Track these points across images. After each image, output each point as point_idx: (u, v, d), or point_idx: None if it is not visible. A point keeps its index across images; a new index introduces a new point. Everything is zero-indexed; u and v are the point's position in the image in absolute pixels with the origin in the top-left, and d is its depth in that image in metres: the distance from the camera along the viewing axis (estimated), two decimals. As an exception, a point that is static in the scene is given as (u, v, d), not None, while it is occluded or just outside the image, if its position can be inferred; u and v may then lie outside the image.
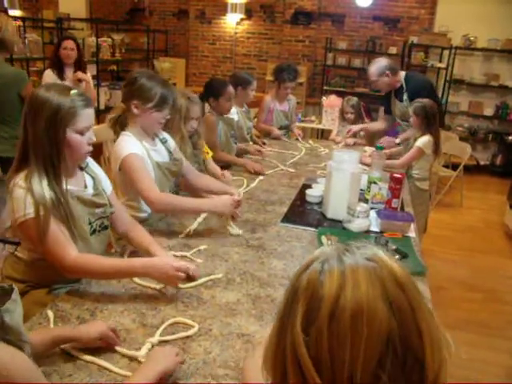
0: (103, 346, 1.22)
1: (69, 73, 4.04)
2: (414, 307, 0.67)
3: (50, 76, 4.03)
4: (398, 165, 3.17)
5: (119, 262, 1.55)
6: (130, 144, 1.97)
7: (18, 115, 3.21)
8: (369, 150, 3.61)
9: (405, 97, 3.62)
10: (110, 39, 6.72)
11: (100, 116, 5.90)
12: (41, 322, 1.32)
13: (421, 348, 0.66)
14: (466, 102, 6.91)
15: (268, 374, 0.73)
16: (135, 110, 1.99)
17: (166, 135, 2.22)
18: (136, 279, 1.55)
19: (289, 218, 2.21)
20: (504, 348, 2.82)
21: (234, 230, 2.00)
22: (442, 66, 6.69)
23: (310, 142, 4.00)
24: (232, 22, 7.80)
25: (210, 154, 2.82)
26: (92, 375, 1.13)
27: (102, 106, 6.00)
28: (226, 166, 3.01)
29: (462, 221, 4.98)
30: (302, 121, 5.70)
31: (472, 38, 6.52)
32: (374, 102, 6.20)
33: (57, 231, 1.43)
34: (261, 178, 2.81)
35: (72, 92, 1.48)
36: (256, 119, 4.17)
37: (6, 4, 7.27)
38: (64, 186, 1.48)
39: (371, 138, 4.18)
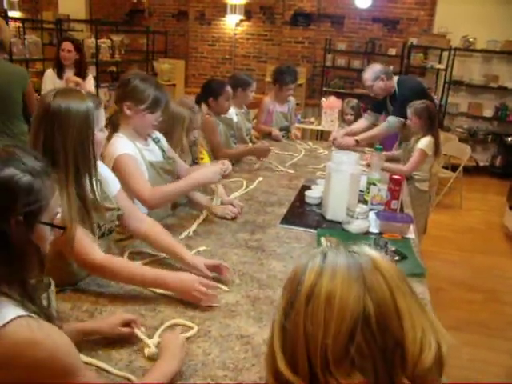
0: (125, 333, 1.25)
1: (69, 73, 4.02)
2: (392, 289, 0.70)
3: (49, 76, 4.05)
4: (405, 171, 3.14)
5: (149, 272, 1.52)
6: (122, 144, 1.97)
7: (20, 112, 3.20)
8: (368, 151, 3.61)
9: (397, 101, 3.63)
10: (109, 40, 6.73)
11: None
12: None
13: (400, 329, 0.68)
14: (466, 103, 6.92)
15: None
16: (128, 112, 1.99)
17: (158, 134, 2.21)
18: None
19: (288, 219, 2.21)
20: (504, 348, 2.82)
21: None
22: (442, 67, 6.69)
23: (310, 143, 4.00)
24: (231, 24, 7.81)
25: (206, 159, 2.81)
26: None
27: (101, 108, 5.99)
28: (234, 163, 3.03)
29: (462, 222, 4.98)
30: (302, 122, 5.70)
31: (471, 40, 6.52)
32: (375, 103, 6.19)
33: (82, 234, 1.42)
34: (260, 179, 2.81)
35: (86, 94, 1.52)
36: (255, 120, 4.17)
37: (5, 5, 7.27)
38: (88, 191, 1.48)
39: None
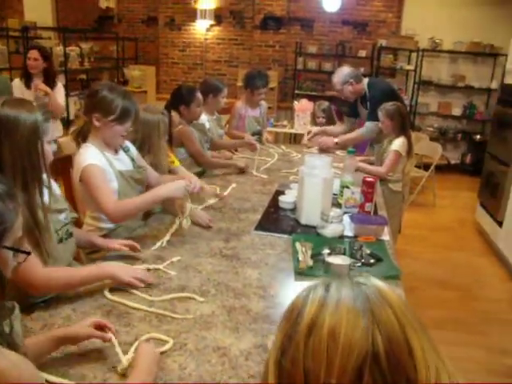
0: (99, 336, 1.22)
1: (37, 82, 3.93)
2: (403, 324, 0.63)
3: (16, 85, 3.97)
4: (382, 173, 3.18)
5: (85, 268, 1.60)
6: (90, 154, 1.95)
7: None
8: (341, 153, 3.64)
9: (367, 104, 3.67)
10: (78, 48, 6.63)
11: (70, 126, 5.81)
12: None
13: (413, 367, 0.62)
14: (435, 102, 7.05)
15: None
16: (97, 123, 1.97)
17: (127, 143, 2.19)
18: (108, 295, 1.52)
19: (262, 225, 2.20)
20: (482, 344, 2.87)
21: (186, 220, 1.99)
22: (411, 68, 6.81)
23: (283, 147, 4.00)
24: (202, 29, 7.79)
25: (176, 162, 2.79)
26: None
27: (71, 116, 5.90)
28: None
29: (436, 220, 5.06)
30: (275, 126, 5.72)
31: (438, 41, 6.66)
32: (346, 104, 6.25)
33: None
34: (233, 185, 2.79)
35: (37, 106, 1.51)
36: (227, 126, 4.15)
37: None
38: (38, 199, 1.47)
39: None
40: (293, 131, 5.65)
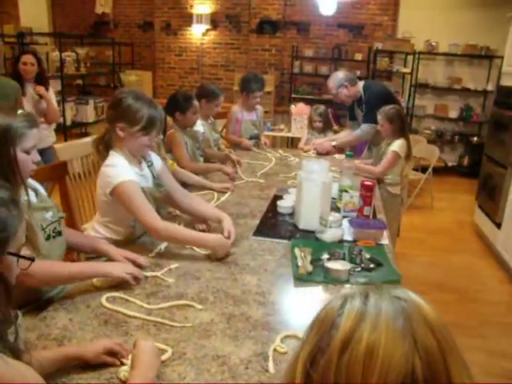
0: (109, 363, 1.21)
1: (29, 88, 3.87)
2: (444, 350, 0.60)
3: None
4: (378, 172, 3.18)
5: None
6: (124, 169, 1.91)
7: None
8: (339, 157, 3.63)
9: (363, 107, 3.67)
10: (74, 53, 6.62)
11: (67, 132, 5.80)
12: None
13: None
14: (432, 105, 7.06)
15: None
16: (121, 133, 1.92)
17: (152, 156, 2.15)
18: (105, 303, 1.50)
19: (261, 230, 2.18)
20: (480, 347, 2.85)
21: None
22: (407, 70, 6.81)
23: (280, 151, 3.99)
24: (198, 33, 7.79)
25: (175, 165, 2.80)
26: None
27: (68, 122, 5.89)
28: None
29: (434, 222, 5.06)
30: (272, 129, 5.71)
31: (434, 43, 6.67)
32: (342, 108, 6.25)
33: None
34: (229, 193, 2.77)
35: (19, 112, 1.50)
36: (225, 130, 4.14)
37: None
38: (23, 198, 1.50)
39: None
40: (290, 135, 5.65)
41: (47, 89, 3.96)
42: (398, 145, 3.16)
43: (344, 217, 2.27)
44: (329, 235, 2.06)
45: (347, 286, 1.69)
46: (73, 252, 1.96)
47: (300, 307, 1.57)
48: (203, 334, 1.38)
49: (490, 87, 6.64)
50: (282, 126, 5.92)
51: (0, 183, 0.98)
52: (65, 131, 5.69)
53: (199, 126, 3.32)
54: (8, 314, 0.97)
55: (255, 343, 1.34)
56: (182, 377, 1.20)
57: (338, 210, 2.39)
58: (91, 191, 2.60)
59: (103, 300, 1.52)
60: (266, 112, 4.61)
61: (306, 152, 3.93)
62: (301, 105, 5.51)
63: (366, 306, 0.62)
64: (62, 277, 1.56)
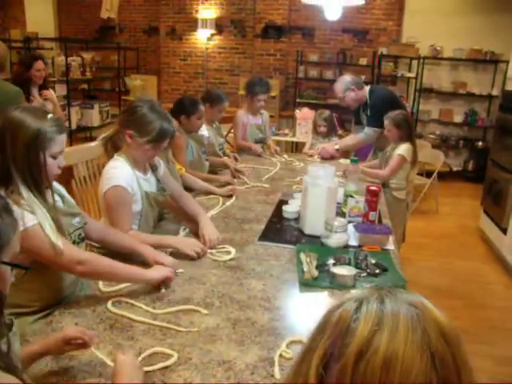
0: (75, 349, 1.20)
1: (35, 93, 3.95)
2: (458, 365, 0.59)
3: None
4: (384, 176, 3.18)
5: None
6: (121, 172, 1.92)
7: None
8: (344, 162, 3.63)
9: (368, 111, 3.67)
10: (79, 58, 6.66)
11: (72, 136, 5.82)
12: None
13: None
14: (437, 109, 7.04)
15: None
16: (129, 140, 1.93)
17: (156, 160, 2.17)
18: (111, 308, 1.50)
19: (266, 235, 2.18)
20: (486, 354, 2.83)
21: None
22: (412, 75, 6.81)
23: (285, 156, 3.99)
24: (203, 38, 7.81)
25: (183, 170, 2.81)
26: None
27: (73, 126, 5.91)
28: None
29: (439, 227, 5.04)
30: (276, 134, 5.71)
31: (438, 48, 6.67)
32: (347, 112, 6.26)
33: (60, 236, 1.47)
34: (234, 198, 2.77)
35: (49, 117, 1.49)
36: (232, 135, 4.15)
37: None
38: (50, 200, 1.52)
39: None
40: (294, 140, 5.65)
41: (49, 92, 4.06)
42: (404, 148, 3.16)
43: (349, 222, 2.27)
44: (334, 240, 2.05)
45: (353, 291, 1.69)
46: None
47: (306, 312, 1.56)
48: (209, 338, 1.38)
49: (495, 92, 6.62)
50: (286, 131, 5.93)
51: None
52: (70, 135, 5.71)
53: (204, 131, 3.33)
54: (1, 323, 0.94)
55: (261, 348, 1.34)
56: (187, 382, 1.20)
57: (343, 215, 2.39)
58: (96, 195, 2.60)
59: (109, 305, 1.52)
60: (271, 117, 4.60)
61: (310, 157, 3.94)
62: (305, 109, 5.51)
63: (382, 312, 0.60)
64: (112, 271, 1.57)
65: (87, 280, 1.72)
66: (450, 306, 3.35)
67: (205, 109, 3.24)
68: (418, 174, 5.26)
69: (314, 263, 1.82)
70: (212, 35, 7.79)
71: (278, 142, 5.76)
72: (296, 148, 5.90)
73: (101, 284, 1.66)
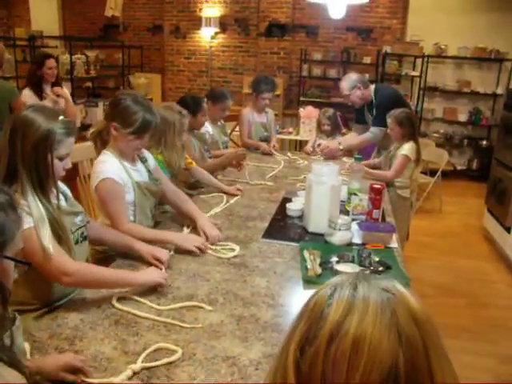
0: (69, 380, 1.16)
1: (57, 89, 4.02)
2: (426, 344, 0.61)
3: (29, 96, 3.96)
4: (389, 177, 3.18)
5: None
6: (109, 165, 1.95)
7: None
8: (348, 160, 3.63)
9: (374, 110, 3.66)
10: (84, 56, 6.68)
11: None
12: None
13: None
14: (441, 108, 7.03)
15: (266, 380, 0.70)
16: (114, 132, 1.96)
17: (146, 154, 2.19)
18: (116, 304, 1.51)
19: (270, 233, 2.19)
20: (490, 353, 2.83)
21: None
22: (416, 74, 6.80)
23: (289, 154, 4.00)
24: (207, 36, 7.82)
25: (194, 164, 2.82)
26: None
27: (77, 124, 5.93)
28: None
29: (443, 226, 5.03)
30: (280, 132, 5.72)
31: (443, 47, 6.65)
32: (351, 111, 6.25)
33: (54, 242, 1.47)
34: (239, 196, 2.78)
35: (60, 118, 1.50)
36: (239, 135, 4.15)
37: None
38: (54, 201, 1.53)
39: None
40: (298, 138, 5.66)
41: (61, 88, 4.11)
42: (407, 148, 3.16)
43: (353, 220, 2.27)
44: (338, 238, 2.06)
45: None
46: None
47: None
48: (213, 335, 1.39)
49: (499, 90, 6.60)
50: (290, 129, 5.93)
51: None
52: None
53: (208, 128, 3.34)
54: (3, 319, 0.94)
55: (265, 345, 1.34)
56: (192, 377, 1.21)
57: (346, 212, 2.39)
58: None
59: (114, 301, 1.53)
60: (275, 115, 4.60)
61: (307, 154, 3.93)
62: (309, 108, 5.52)
63: (354, 297, 0.63)
64: (100, 281, 1.56)
65: None
66: (453, 305, 3.36)
67: (208, 106, 3.26)
68: (421, 172, 5.25)
69: (318, 261, 1.83)
70: (216, 33, 7.80)
71: (281, 141, 5.77)
72: (300, 146, 5.90)
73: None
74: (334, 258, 1.84)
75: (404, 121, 3.16)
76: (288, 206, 2.46)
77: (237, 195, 2.72)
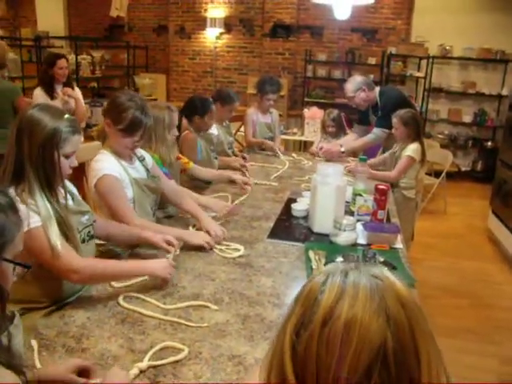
0: (80, 383, 1.16)
1: (66, 89, 4.06)
2: (413, 326, 0.66)
3: (41, 95, 4.00)
4: (393, 178, 3.18)
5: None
6: (106, 163, 1.97)
7: (11, 120, 3.43)
8: (352, 160, 3.63)
9: (379, 112, 3.66)
10: (89, 56, 6.71)
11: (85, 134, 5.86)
12: (24, 353, 1.26)
13: (417, 368, 0.65)
14: (446, 109, 7.02)
15: (262, 373, 0.74)
16: (107, 129, 2.00)
17: (143, 152, 2.21)
18: (122, 303, 1.52)
19: (275, 233, 2.20)
20: (493, 353, 2.83)
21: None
22: (421, 75, 6.79)
23: (293, 154, 4.00)
24: (211, 37, 7.83)
25: (191, 164, 2.82)
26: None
27: (82, 124, 5.94)
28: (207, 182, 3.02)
29: (447, 227, 5.03)
30: (285, 133, 5.72)
31: (448, 47, 6.64)
32: (355, 112, 6.24)
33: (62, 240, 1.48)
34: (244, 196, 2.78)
35: (65, 117, 1.52)
36: (244, 134, 4.16)
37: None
38: (61, 201, 1.55)
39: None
40: (303, 139, 5.66)
41: (73, 89, 4.15)
42: (412, 149, 3.16)
43: (358, 220, 2.28)
44: (343, 238, 2.07)
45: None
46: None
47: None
48: (219, 334, 1.40)
49: (504, 92, 6.58)
50: (294, 130, 5.93)
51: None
52: (84, 132, 5.75)
53: (213, 129, 3.35)
54: (1, 320, 0.94)
55: (270, 344, 1.35)
56: (198, 376, 1.22)
57: (351, 213, 2.40)
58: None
59: (120, 299, 1.54)
60: (279, 116, 4.61)
61: (311, 155, 3.93)
62: (314, 108, 5.52)
63: (345, 284, 0.68)
64: (108, 275, 1.60)
65: None
66: (457, 306, 3.36)
67: (216, 108, 3.27)
68: (426, 173, 5.25)
69: (323, 261, 1.83)
70: (221, 34, 7.81)
71: (286, 141, 5.77)
72: (304, 147, 5.90)
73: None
74: (339, 259, 1.85)
75: (409, 121, 3.16)
76: (293, 206, 2.47)
77: (243, 194, 2.73)
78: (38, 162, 1.46)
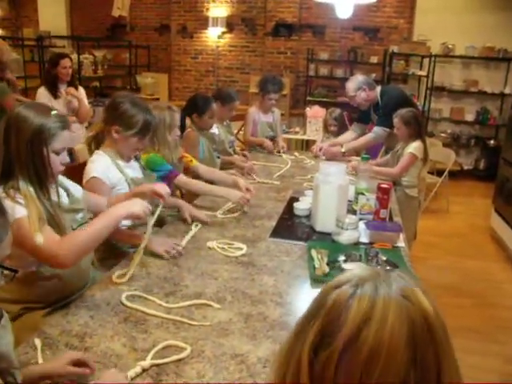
0: (78, 373, 1.17)
1: (69, 88, 4.07)
2: (440, 367, 0.60)
3: (44, 94, 4.01)
4: (395, 174, 3.18)
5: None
6: (98, 165, 1.97)
7: None
8: (355, 159, 3.62)
9: (380, 111, 3.65)
10: (91, 56, 6.72)
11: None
12: (27, 352, 1.28)
13: None
14: (448, 108, 7.00)
15: (271, 375, 0.69)
16: (115, 135, 2.00)
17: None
18: (125, 302, 1.53)
19: (277, 232, 2.20)
20: (496, 353, 2.82)
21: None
22: (423, 73, 6.78)
23: (296, 153, 4.00)
24: (214, 36, 7.84)
25: (194, 161, 2.82)
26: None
27: (85, 124, 5.95)
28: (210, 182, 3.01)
29: (449, 226, 5.02)
30: (287, 132, 5.72)
31: (450, 46, 6.63)
32: (358, 110, 6.24)
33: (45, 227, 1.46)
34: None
35: (52, 113, 1.52)
36: (242, 133, 4.16)
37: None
38: (53, 198, 1.54)
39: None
40: (305, 138, 5.66)
41: (77, 88, 4.14)
42: (414, 146, 3.16)
43: (360, 219, 2.27)
44: (345, 237, 2.07)
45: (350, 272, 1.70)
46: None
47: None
48: (221, 332, 1.40)
49: (507, 90, 6.57)
50: (297, 129, 5.93)
51: None
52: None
53: (214, 129, 3.35)
54: None
55: (273, 342, 1.35)
56: (200, 374, 1.22)
57: (354, 212, 2.40)
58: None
59: (123, 298, 1.55)
60: (281, 115, 4.61)
61: (313, 153, 3.92)
62: (316, 107, 5.51)
63: (374, 303, 0.61)
64: (88, 241, 1.50)
65: (99, 273, 1.77)
66: (460, 305, 3.35)
67: (217, 107, 3.27)
68: (428, 172, 5.24)
69: (325, 260, 1.83)
70: (223, 33, 7.81)
71: (288, 140, 5.77)
72: (307, 146, 5.89)
73: (114, 276, 1.69)
74: (342, 257, 1.85)
75: (410, 120, 3.16)
76: (295, 205, 2.47)
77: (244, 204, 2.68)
78: (26, 158, 1.45)
